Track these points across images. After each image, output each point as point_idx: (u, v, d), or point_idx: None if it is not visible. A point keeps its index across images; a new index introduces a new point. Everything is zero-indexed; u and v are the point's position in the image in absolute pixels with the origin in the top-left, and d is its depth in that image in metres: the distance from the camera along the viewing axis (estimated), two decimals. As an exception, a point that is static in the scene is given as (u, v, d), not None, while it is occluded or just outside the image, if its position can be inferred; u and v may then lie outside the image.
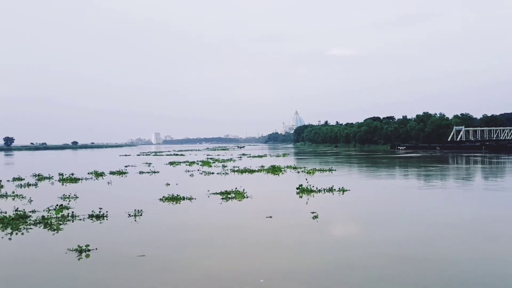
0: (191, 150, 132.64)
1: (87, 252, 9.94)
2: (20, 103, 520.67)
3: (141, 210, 15.67)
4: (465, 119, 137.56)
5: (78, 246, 10.14)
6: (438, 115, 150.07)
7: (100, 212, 15.06)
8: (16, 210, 15.54)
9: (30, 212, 15.68)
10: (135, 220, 14.30)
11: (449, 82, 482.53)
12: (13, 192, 22.77)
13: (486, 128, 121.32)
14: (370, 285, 7.75)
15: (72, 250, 10.11)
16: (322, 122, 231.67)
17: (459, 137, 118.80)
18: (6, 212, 15.43)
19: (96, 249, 10.18)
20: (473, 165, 42.39)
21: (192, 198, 19.14)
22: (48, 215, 14.83)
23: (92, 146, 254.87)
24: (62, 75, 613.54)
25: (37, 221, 13.91)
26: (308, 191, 20.75)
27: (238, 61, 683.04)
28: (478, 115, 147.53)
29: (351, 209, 16.55)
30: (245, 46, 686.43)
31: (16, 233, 12.54)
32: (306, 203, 17.71)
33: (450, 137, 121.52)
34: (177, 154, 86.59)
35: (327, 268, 8.76)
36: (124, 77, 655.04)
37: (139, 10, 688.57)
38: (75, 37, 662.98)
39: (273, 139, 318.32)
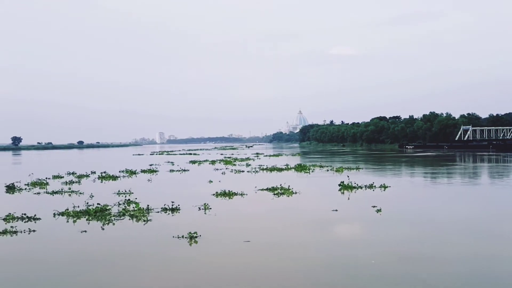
0: (200, 149, 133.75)
1: (195, 238, 11.06)
2: (26, 104, 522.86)
3: (207, 203, 16.79)
4: (471, 119, 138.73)
5: (189, 233, 11.27)
6: (444, 114, 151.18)
7: (172, 205, 16.17)
8: (88, 205, 16.65)
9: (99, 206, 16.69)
10: (205, 213, 15.40)
11: (451, 81, 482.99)
12: (62, 189, 23.83)
13: (493, 127, 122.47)
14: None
15: (178, 237, 11.22)
16: (327, 122, 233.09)
17: (466, 136, 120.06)
18: (78, 206, 16.51)
19: (200, 235, 11.30)
20: (495, 163, 43.53)
21: (244, 194, 20.23)
22: (126, 208, 15.90)
23: (98, 146, 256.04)
24: (66, 76, 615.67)
25: (121, 213, 15.03)
26: (350, 187, 21.83)
27: (240, 61, 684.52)
28: (483, 114, 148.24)
29: (406, 204, 17.71)
30: (247, 46, 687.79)
31: (108, 223, 13.65)
32: (357, 198, 18.79)
33: (457, 137, 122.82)
34: (190, 153, 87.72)
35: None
36: (126, 77, 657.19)
37: (141, 11, 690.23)
38: (78, 39, 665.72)
39: (278, 138, 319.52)
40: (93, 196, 20.58)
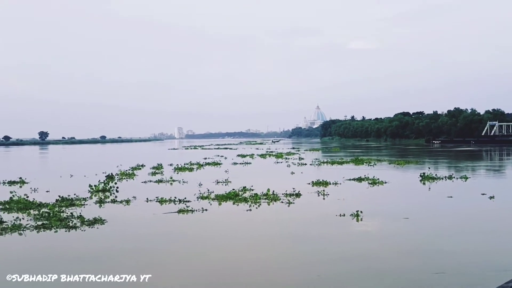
0: (228, 144, 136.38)
1: (359, 216, 13.30)
2: (51, 102, 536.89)
3: (323, 190, 19.03)
4: (496, 114, 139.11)
5: (356, 211, 13.54)
6: (469, 110, 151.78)
7: (294, 191, 18.42)
8: (210, 192, 19.01)
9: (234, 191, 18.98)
10: (324, 199, 17.62)
11: (471, 75, 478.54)
12: (163, 179, 26.24)
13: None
14: None
15: (341, 216, 13.47)
16: (348, 117, 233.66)
17: (492, 131, 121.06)
18: (212, 191, 18.88)
19: (361, 212, 13.54)
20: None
21: (337, 183, 22.40)
22: (254, 194, 18.14)
23: (120, 141, 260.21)
24: (88, 77, 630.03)
25: (257, 197, 17.34)
26: (432, 178, 23.87)
27: (256, 55, 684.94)
28: (507, 109, 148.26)
29: (502, 190, 19.76)
30: (264, 40, 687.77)
31: (254, 205, 15.95)
32: (455, 187, 20.82)
33: (484, 132, 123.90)
34: (225, 148, 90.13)
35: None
36: (144, 75, 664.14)
37: (156, 9, 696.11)
38: (100, 43, 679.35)
39: (297, 133, 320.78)
40: (201, 184, 22.90)
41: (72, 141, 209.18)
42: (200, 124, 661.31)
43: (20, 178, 26.27)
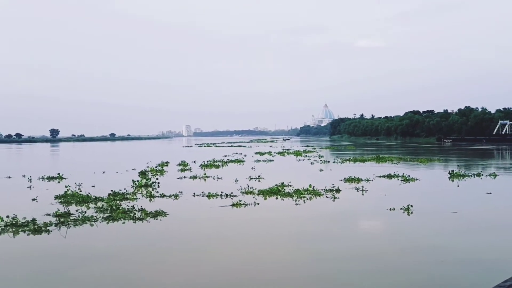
0: (239, 142, 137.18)
1: (409, 210, 14.00)
2: (60, 100, 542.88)
3: (362, 186, 19.75)
4: (508, 113, 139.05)
5: (406, 206, 14.24)
6: (479, 109, 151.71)
7: (333, 187, 19.13)
8: (249, 187, 19.77)
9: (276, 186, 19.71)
10: (363, 194, 18.31)
11: (478, 73, 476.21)
12: (196, 175, 27.03)
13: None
14: None
15: (391, 210, 14.17)
16: (357, 116, 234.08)
17: (504, 130, 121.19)
18: (252, 187, 19.63)
19: (412, 206, 14.25)
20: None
21: (369, 180, 23.06)
22: (296, 189, 18.87)
23: (130, 138, 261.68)
24: (97, 75, 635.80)
25: (303, 193, 18.09)
26: (460, 175, 24.48)
27: (264, 54, 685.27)
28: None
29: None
30: (270, 38, 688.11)
31: (299, 200, 16.68)
32: (487, 184, 21.45)
33: (495, 131, 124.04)
34: (240, 146, 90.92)
35: None
36: (152, 74, 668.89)
37: (163, 9, 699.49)
38: (109, 43, 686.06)
39: (305, 131, 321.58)
40: (237, 180, 23.67)
41: (83, 139, 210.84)
42: (207, 122, 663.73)
43: (58, 174, 27.12)
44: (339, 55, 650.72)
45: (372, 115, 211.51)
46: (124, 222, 13.07)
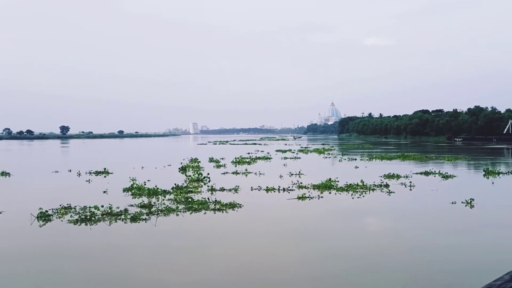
0: (251, 139, 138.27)
1: (471, 203, 15.01)
2: (67, 97, 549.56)
3: (410, 182, 20.76)
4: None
5: (465, 200, 15.25)
6: (489, 109, 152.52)
7: (382, 182, 20.14)
8: (299, 182, 20.78)
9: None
10: (411, 190, 19.27)
11: (486, 71, 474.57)
12: (236, 171, 28.06)
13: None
14: None
15: (453, 203, 15.16)
16: (365, 114, 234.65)
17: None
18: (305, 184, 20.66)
19: (473, 199, 15.26)
20: None
21: (408, 176, 24.01)
22: (349, 184, 19.88)
23: (138, 135, 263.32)
24: (103, 73, 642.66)
25: (345, 187, 19.12)
26: (495, 173, 25.41)
27: (270, 51, 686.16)
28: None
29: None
30: (277, 36, 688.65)
31: (355, 195, 17.69)
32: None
33: (505, 130, 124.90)
34: (254, 143, 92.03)
35: None
36: (159, 72, 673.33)
37: (173, 7, 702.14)
38: (115, 39, 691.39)
39: (313, 130, 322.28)
40: (282, 176, 24.71)
41: (92, 136, 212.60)
42: (213, 119, 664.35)
43: (104, 169, 28.22)
44: (346, 53, 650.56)
45: (381, 113, 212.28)
46: (205, 213, 14.10)
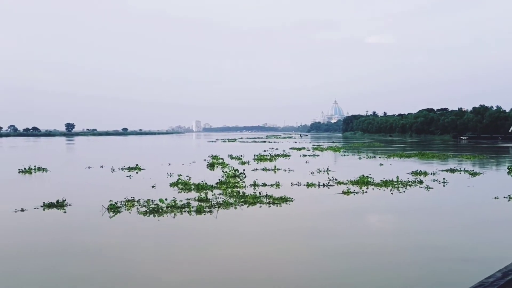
0: (257, 137, 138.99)
1: (510, 198, 15.81)
2: (71, 94, 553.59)
3: (444, 178, 21.53)
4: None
5: (508, 195, 16.01)
6: (494, 107, 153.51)
7: (416, 179, 20.92)
8: (333, 178, 21.56)
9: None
10: (444, 186, 20.04)
11: (498, 70, 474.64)
12: (266, 167, 28.83)
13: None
14: None
15: (495, 198, 15.93)
16: (370, 112, 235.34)
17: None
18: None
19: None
20: None
21: (435, 173, 24.77)
22: (385, 180, 20.64)
23: (142, 133, 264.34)
24: (107, 71, 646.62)
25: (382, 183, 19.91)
26: (522, 169, 26.23)
27: (273, 49, 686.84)
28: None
29: None
30: (280, 34, 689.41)
31: (394, 190, 18.47)
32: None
33: (511, 129, 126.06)
34: (264, 141, 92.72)
35: None
36: (162, 69, 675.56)
37: (174, 3, 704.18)
38: (118, 37, 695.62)
39: (316, 128, 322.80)
40: (313, 172, 25.49)
41: (98, 133, 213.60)
42: (216, 117, 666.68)
43: (136, 165, 29.03)
44: (349, 51, 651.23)
45: (385, 112, 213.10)
46: (260, 206, 14.88)
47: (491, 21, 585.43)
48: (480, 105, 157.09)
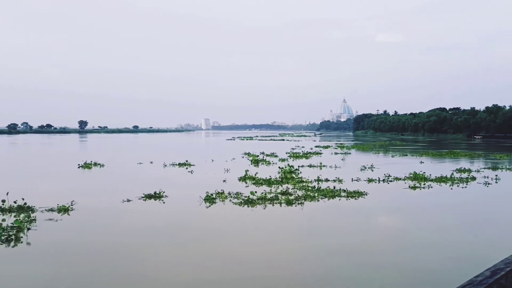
0: (271, 136, 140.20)
1: None
2: (81, 94, 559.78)
3: (496, 175, 22.50)
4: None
5: None
6: (507, 107, 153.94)
7: (468, 176, 21.93)
8: (387, 174, 22.60)
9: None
10: (497, 182, 21.03)
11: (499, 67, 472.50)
12: (311, 164, 29.93)
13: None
14: None
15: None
16: (381, 111, 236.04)
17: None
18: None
19: None
20: None
21: (479, 171, 25.77)
22: (440, 176, 21.69)
23: (153, 130, 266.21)
24: (117, 72, 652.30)
25: (436, 179, 20.93)
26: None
27: (281, 48, 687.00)
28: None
29: None
30: (288, 32, 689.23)
31: (454, 186, 19.50)
32: None
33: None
34: (283, 139, 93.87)
35: None
36: (171, 69, 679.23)
37: (183, 2, 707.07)
38: (128, 39, 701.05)
39: (326, 127, 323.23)
40: (363, 169, 26.54)
41: (111, 130, 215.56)
42: (224, 115, 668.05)
43: (186, 161, 30.21)
44: (359, 49, 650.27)
45: (395, 111, 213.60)
46: (339, 199, 15.98)
47: (502, 18, 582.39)
48: (493, 104, 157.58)
